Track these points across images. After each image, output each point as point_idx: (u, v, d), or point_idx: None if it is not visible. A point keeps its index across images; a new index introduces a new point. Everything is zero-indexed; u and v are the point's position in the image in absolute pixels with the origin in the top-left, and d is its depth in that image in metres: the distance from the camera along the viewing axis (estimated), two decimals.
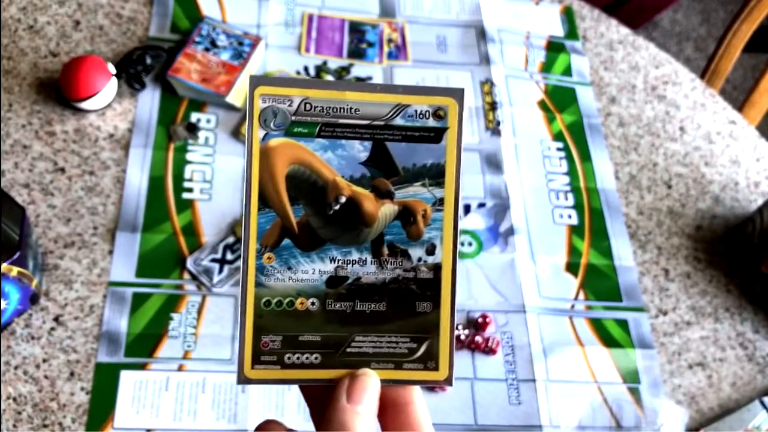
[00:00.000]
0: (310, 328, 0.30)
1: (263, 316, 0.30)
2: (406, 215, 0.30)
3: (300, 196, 0.30)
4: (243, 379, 0.30)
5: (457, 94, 0.30)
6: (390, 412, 0.30)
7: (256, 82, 0.29)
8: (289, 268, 0.30)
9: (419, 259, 0.31)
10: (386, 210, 0.30)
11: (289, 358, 0.30)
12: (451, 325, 0.31)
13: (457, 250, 0.31)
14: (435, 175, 0.30)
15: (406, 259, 0.30)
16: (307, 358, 0.30)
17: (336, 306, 0.30)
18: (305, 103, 0.29)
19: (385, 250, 0.30)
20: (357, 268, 0.30)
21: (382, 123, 0.30)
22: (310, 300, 0.30)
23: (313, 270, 0.30)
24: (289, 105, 0.29)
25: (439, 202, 0.30)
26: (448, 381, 0.31)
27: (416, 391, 0.30)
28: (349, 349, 0.30)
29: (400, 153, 0.30)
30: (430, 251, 0.31)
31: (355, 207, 0.30)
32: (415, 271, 0.31)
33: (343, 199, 0.30)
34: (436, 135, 0.30)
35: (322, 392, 0.30)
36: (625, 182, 0.77)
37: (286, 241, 0.30)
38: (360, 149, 0.30)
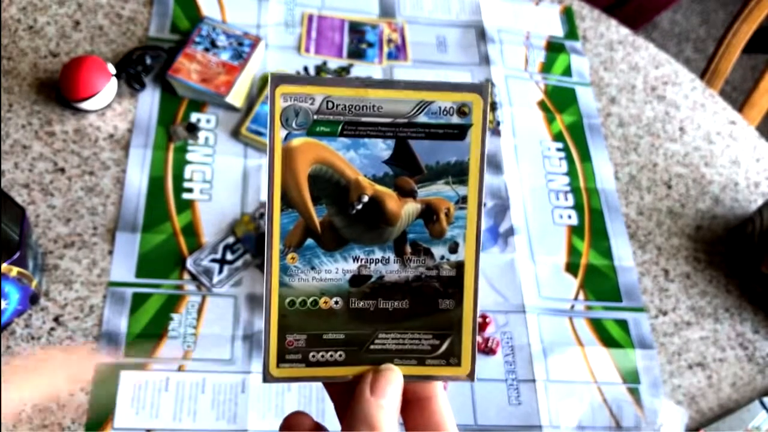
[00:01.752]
0: (334, 326, 0.30)
1: (287, 315, 0.30)
2: (429, 214, 0.30)
3: (323, 195, 0.30)
4: (269, 378, 0.30)
5: (482, 89, 0.30)
6: (413, 407, 0.30)
7: (277, 80, 0.29)
8: (313, 268, 0.30)
9: (442, 258, 0.31)
10: (409, 208, 0.30)
11: (313, 356, 0.30)
12: (474, 322, 0.31)
13: (480, 248, 0.31)
14: (458, 172, 0.30)
15: (428, 258, 0.31)
16: (331, 355, 0.30)
17: (359, 304, 0.30)
18: (327, 102, 0.29)
19: (408, 249, 0.31)
20: (380, 267, 0.30)
21: (405, 120, 0.29)
22: (334, 299, 0.30)
23: (337, 269, 0.30)
24: (311, 104, 0.29)
25: (463, 200, 0.30)
26: (471, 377, 0.31)
27: (438, 386, 0.31)
28: (372, 346, 0.31)
29: (423, 151, 0.30)
30: (453, 249, 0.31)
31: (378, 206, 0.30)
32: (438, 269, 0.31)
33: (365, 199, 0.30)
34: (460, 132, 0.30)
35: (345, 388, 0.31)
36: (624, 182, 0.77)
37: (310, 241, 0.30)
38: (383, 148, 0.30)
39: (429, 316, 0.31)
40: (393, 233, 0.30)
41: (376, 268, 0.30)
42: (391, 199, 0.30)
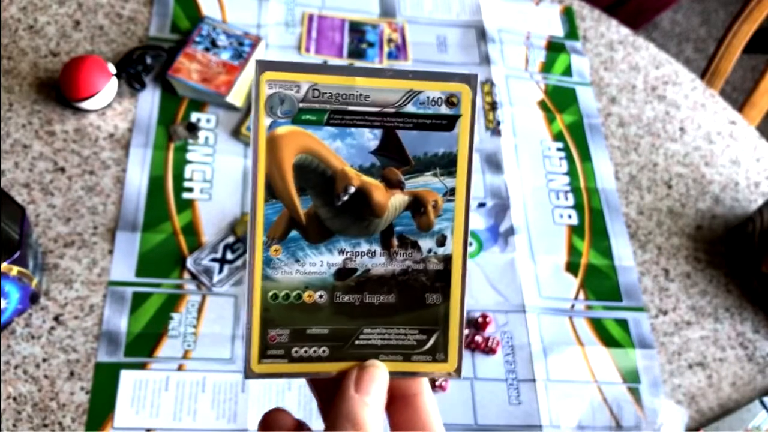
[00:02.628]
0: (318, 321, 0.29)
1: (270, 309, 0.29)
2: (417, 206, 0.30)
3: (308, 186, 0.29)
4: (250, 374, 0.29)
5: (471, 80, 0.29)
6: (398, 404, 0.30)
7: (263, 67, 0.28)
8: (297, 261, 0.29)
9: (429, 251, 0.30)
10: (396, 200, 0.30)
11: (296, 351, 0.29)
12: (461, 317, 0.30)
13: (468, 241, 0.30)
14: (447, 164, 0.29)
15: (416, 251, 0.30)
16: (315, 351, 0.30)
17: (344, 298, 0.30)
18: (313, 90, 0.28)
19: (395, 242, 0.30)
20: (366, 260, 0.30)
21: (393, 110, 0.29)
22: (318, 293, 0.30)
23: (322, 262, 0.29)
24: (297, 91, 0.28)
25: (451, 192, 0.30)
26: (458, 372, 0.31)
27: (424, 382, 0.30)
28: (357, 342, 0.30)
29: (411, 141, 0.29)
30: (441, 242, 0.30)
31: (365, 197, 0.29)
32: (425, 263, 0.30)
33: (352, 190, 0.29)
34: (448, 123, 0.29)
35: (330, 385, 0.30)
36: (625, 182, 0.77)
37: (294, 233, 0.29)
38: (370, 138, 0.29)
39: (415, 311, 0.30)
40: (380, 225, 0.30)
41: (362, 261, 0.30)
42: (377, 191, 0.29)
